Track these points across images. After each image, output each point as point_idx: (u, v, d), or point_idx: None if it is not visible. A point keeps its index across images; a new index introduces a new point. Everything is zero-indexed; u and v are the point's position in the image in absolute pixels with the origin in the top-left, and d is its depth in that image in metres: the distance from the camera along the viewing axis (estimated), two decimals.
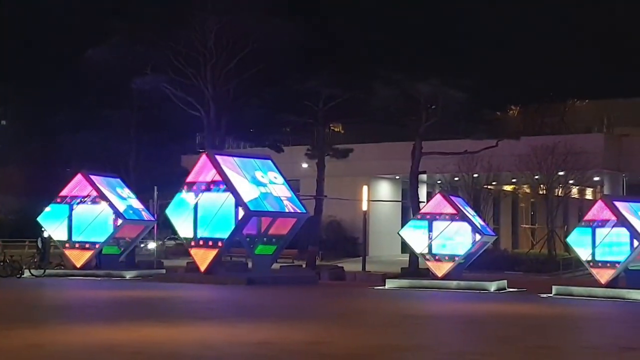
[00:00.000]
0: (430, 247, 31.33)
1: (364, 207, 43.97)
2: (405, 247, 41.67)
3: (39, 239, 36.39)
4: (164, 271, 36.77)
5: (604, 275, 28.44)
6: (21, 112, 60.57)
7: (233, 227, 31.38)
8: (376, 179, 56.09)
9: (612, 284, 28.34)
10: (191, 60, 39.99)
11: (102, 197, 34.86)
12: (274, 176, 33.59)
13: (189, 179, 32.86)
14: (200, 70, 40.17)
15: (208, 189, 32.03)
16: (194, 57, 40.05)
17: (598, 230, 28.72)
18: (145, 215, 36.69)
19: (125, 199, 35.96)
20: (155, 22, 39.76)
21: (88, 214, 34.98)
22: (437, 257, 31.35)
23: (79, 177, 35.82)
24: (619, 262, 28.18)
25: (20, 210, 57.28)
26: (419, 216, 32.65)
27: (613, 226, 28.36)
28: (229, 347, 14.64)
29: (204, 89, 40.26)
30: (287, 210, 32.95)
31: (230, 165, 32.52)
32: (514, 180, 54.30)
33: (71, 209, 35.21)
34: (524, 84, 56.25)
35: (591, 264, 28.87)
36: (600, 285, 28.32)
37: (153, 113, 41.87)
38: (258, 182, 32.70)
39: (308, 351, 14.24)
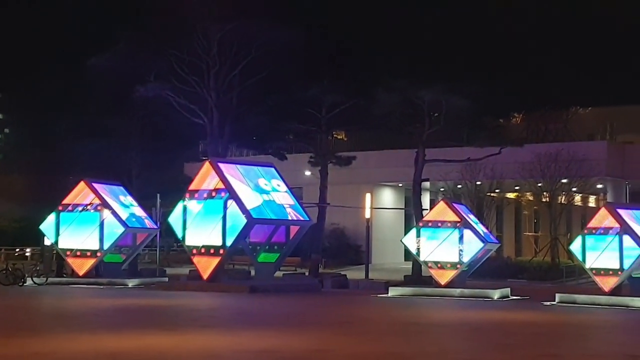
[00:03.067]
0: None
1: (367, 215, 43.90)
2: (408, 254, 41.59)
3: (49, 247, 36.21)
4: (166, 279, 36.75)
5: (607, 283, 28.38)
6: (24, 120, 60.63)
7: (236, 234, 31.34)
8: (379, 186, 56.00)
9: (616, 291, 28.28)
10: (194, 67, 40.01)
11: (105, 204, 34.87)
12: (277, 184, 33.57)
13: (192, 186, 32.86)
14: (204, 77, 40.18)
15: (211, 197, 32.01)
16: (197, 65, 40.07)
17: (601, 238, 28.68)
18: (148, 223, 36.69)
19: (128, 206, 35.96)
20: (158, 30, 39.79)
21: (90, 221, 34.98)
22: (440, 265, 31.32)
23: (81, 184, 35.84)
24: (622, 270, 28.13)
25: (23, 218, 57.24)
26: (422, 224, 32.61)
27: (616, 234, 28.32)
28: (232, 355, 14.59)
29: (207, 97, 40.28)
30: (290, 218, 32.92)
31: (234, 173, 32.52)
32: (517, 187, 54.16)
33: (73, 217, 35.22)
34: (526, 92, 56.30)
35: (594, 271, 28.83)
36: (603, 293, 28.26)
37: (156, 121, 41.85)
38: (261, 190, 32.68)
39: (311, 359, 14.18)
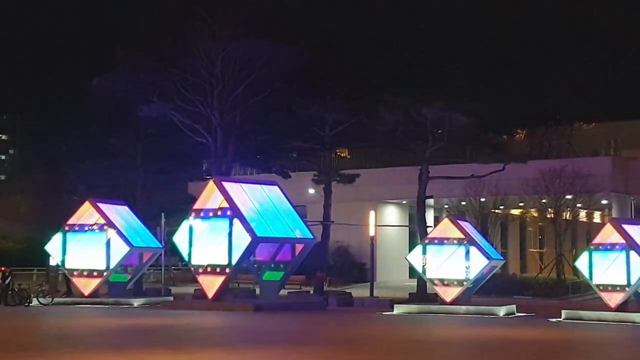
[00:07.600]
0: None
1: (371, 232, 43.85)
2: (413, 272, 41.50)
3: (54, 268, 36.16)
4: (171, 298, 36.71)
5: (613, 299, 28.29)
6: (28, 142, 60.78)
7: (240, 253, 31.30)
8: (383, 203, 55.98)
9: (622, 307, 28.18)
10: (197, 87, 40.11)
11: (110, 224, 34.88)
12: (281, 202, 33.56)
13: (196, 205, 32.86)
14: (207, 97, 40.26)
15: (215, 216, 32.00)
16: (200, 85, 40.17)
17: (607, 254, 28.62)
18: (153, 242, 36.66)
19: (132, 226, 35.96)
20: (161, 50, 39.94)
21: (95, 241, 34.97)
22: (445, 282, 31.25)
23: (86, 204, 35.86)
24: (629, 286, 28.05)
25: (28, 239, 57.31)
26: (426, 241, 32.57)
27: (622, 249, 28.26)
28: None
29: (210, 116, 40.34)
30: (294, 236, 32.89)
31: (238, 192, 32.52)
32: (521, 204, 54.13)
33: (78, 237, 35.24)
34: (530, 108, 56.26)
35: (601, 287, 28.74)
36: (610, 309, 28.17)
37: (159, 140, 41.91)
38: (265, 209, 32.66)
39: None
